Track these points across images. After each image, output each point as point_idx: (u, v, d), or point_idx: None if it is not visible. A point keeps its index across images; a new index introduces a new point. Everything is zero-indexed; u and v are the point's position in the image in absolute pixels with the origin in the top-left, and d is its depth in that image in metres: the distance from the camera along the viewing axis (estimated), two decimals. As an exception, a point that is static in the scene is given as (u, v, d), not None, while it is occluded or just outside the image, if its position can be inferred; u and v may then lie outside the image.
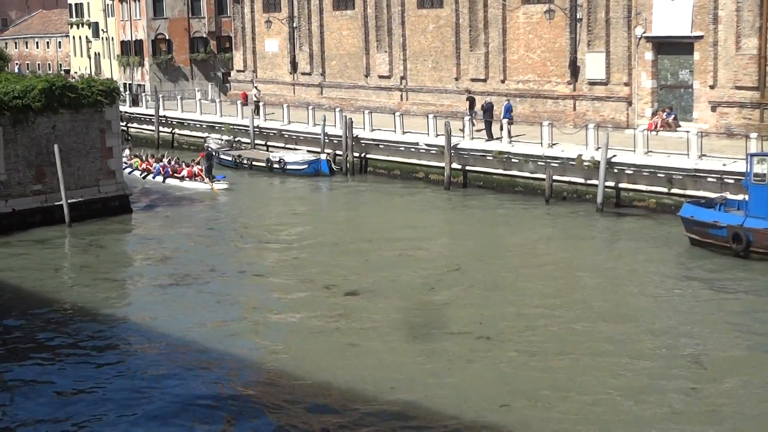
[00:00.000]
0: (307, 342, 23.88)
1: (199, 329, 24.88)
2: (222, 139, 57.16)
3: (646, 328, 23.90)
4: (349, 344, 23.38)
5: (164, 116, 64.08)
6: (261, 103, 57.35)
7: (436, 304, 26.58)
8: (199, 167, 48.07)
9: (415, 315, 25.63)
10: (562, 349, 22.57)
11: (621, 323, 24.33)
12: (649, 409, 19.04)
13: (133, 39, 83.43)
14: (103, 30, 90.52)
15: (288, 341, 24.06)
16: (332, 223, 39.30)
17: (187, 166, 48.92)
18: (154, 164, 50.24)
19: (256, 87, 59.78)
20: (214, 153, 50.69)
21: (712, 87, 41.71)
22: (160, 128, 63.80)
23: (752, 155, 31.15)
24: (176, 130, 63.29)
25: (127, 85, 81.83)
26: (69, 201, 37.91)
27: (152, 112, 65.11)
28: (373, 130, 49.05)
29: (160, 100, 65.38)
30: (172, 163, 49.90)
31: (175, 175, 48.53)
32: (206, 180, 46.93)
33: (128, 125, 66.06)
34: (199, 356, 22.94)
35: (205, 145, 54.44)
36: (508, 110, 44.90)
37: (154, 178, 49.17)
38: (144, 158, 52.30)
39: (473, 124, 44.88)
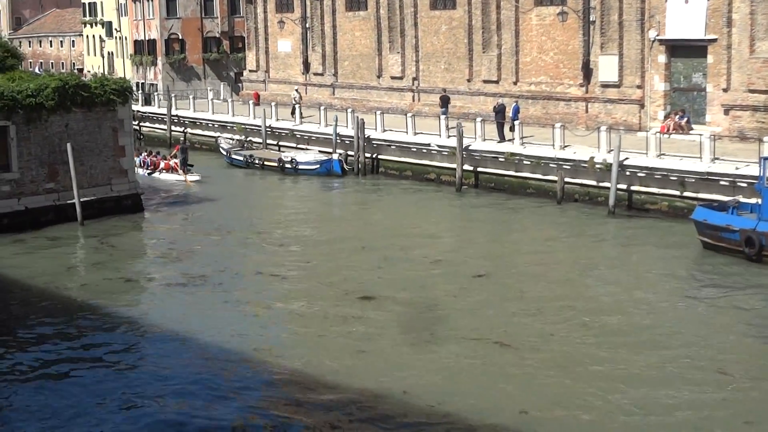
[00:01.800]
0: (320, 345, 23.83)
1: (210, 330, 24.85)
2: (234, 139, 57.25)
3: (662, 333, 23.82)
4: (361, 349, 23.27)
5: (176, 115, 64.22)
6: (298, 106, 56.03)
7: (447, 308, 26.50)
8: (175, 161, 50.10)
9: (429, 320, 25.48)
10: (578, 356, 22.43)
11: (635, 329, 24.24)
12: (682, 419, 18.90)
13: (147, 38, 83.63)
14: (116, 29, 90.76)
15: (300, 344, 24.04)
16: (345, 223, 39.34)
17: (164, 159, 50.76)
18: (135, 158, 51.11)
19: (296, 90, 59.49)
20: (187, 146, 53.13)
21: (725, 90, 41.61)
22: (173, 127, 63.94)
23: (765, 159, 31.07)
24: (188, 130, 63.41)
25: (140, 85, 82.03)
26: (81, 199, 37.99)
27: (165, 111, 65.25)
28: (384, 130, 49.07)
29: (173, 99, 65.52)
30: (151, 156, 51.17)
31: (153, 167, 50.47)
32: (180, 172, 48.94)
33: (141, 124, 66.24)
34: (210, 356, 22.95)
35: (181, 139, 57.02)
36: (516, 111, 44.94)
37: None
38: None
39: (446, 124, 45.94)
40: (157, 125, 66.84)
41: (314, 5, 63.59)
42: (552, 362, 21.93)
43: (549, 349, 22.87)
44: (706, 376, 20.90)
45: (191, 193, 45.43)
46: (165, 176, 49.49)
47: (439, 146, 45.60)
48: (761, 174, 30.54)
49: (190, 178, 48.62)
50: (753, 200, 32.16)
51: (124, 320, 26.03)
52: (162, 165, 50.45)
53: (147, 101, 71.03)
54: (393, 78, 57.99)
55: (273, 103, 58.40)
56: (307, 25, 64.49)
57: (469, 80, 53.18)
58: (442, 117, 46.87)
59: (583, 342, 23.27)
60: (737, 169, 34.85)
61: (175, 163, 50.00)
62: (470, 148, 43.80)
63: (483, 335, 23.89)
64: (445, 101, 50.31)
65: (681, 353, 22.35)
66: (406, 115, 49.44)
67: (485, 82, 52.00)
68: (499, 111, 45.31)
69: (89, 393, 20.71)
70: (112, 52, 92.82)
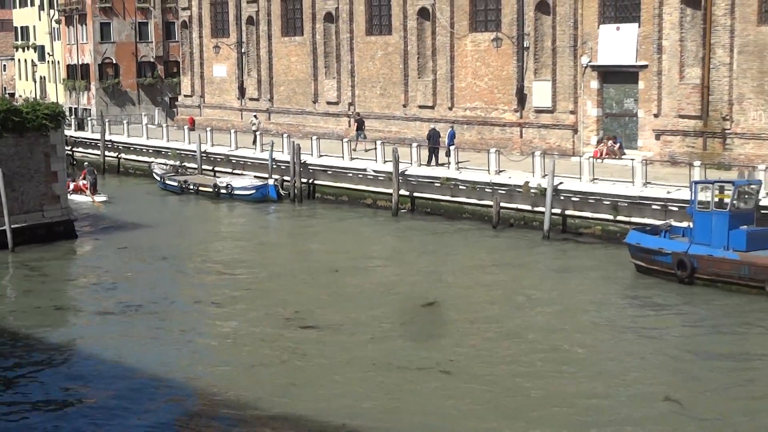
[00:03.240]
0: (256, 375, 23.56)
1: (142, 358, 24.50)
2: (168, 164, 56.77)
3: (599, 357, 24.00)
4: (294, 381, 22.95)
5: (110, 141, 63.53)
6: (259, 133, 54.24)
7: (384, 335, 26.45)
8: (84, 182, 51.46)
9: (370, 348, 25.31)
10: (515, 382, 22.43)
11: (572, 354, 24.40)
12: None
13: (80, 63, 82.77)
14: (49, 53, 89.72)
15: (236, 374, 23.64)
16: (283, 250, 39.18)
17: (73, 181, 50.89)
18: None
19: (255, 116, 58.23)
20: (94, 169, 54.66)
21: (656, 115, 42.28)
22: (106, 153, 63.24)
23: (696, 183, 31.65)
24: (122, 155, 62.75)
25: (73, 109, 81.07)
26: (12, 226, 37.35)
27: (98, 136, 64.53)
28: (321, 156, 49.01)
29: (106, 124, 64.81)
30: None
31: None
32: (87, 193, 50.51)
33: (74, 150, 65.40)
34: (143, 387, 22.58)
35: (86, 163, 57.04)
36: (452, 137, 45.29)
37: None
38: None
39: (360, 144, 48.90)
40: (90, 150, 66.01)
41: (250, 30, 63.50)
42: (489, 387, 21.94)
43: (490, 375, 22.79)
44: (650, 403, 21.04)
45: (121, 219, 44.70)
46: (73, 197, 48.71)
47: (375, 171, 45.66)
48: (692, 198, 31.06)
49: (98, 198, 49.92)
50: (685, 224, 32.66)
51: (54, 348, 25.59)
52: (72, 186, 49.75)
53: (80, 126, 70.16)
54: (329, 103, 58.03)
55: (208, 129, 58.03)
56: (243, 50, 64.35)
57: (404, 105, 53.40)
58: (359, 140, 49.08)
59: (518, 370, 23.24)
60: (669, 193, 35.35)
61: (84, 185, 51.13)
62: (406, 173, 43.91)
63: (427, 364, 23.64)
64: (360, 124, 51.51)
65: (620, 378, 22.48)
66: (342, 140, 49.47)
67: (421, 107, 52.26)
68: (432, 136, 45.60)
69: (17, 427, 20.29)
70: (44, 77, 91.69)
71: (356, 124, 52.08)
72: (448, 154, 43.77)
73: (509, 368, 23.20)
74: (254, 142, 53.60)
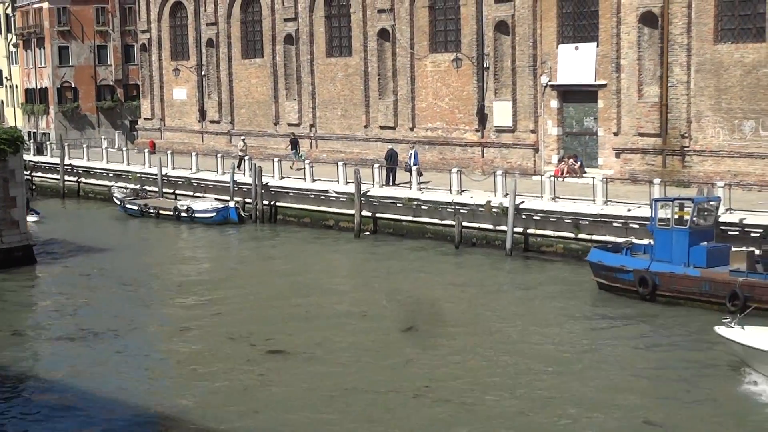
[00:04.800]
0: (220, 401, 23.18)
1: (104, 385, 24.18)
2: (128, 188, 56.38)
3: (565, 377, 23.98)
4: (257, 408, 22.67)
5: (70, 165, 63.02)
6: (246, 157, 52.16)
7: (352, 359, 26.28)
8: None
9: (336, 372, 25.05)
10: (484, 401, 22.40)
11: (538, 373, 24.38)
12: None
13: (38, 87, 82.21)
14: (6, 78, 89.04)
15: (197, 403, 23.24)
16: (245, 274, 38.76)
17: None
18: None
19: (243, 140, 56.87)
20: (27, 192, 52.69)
21: (616, 134, 42.56)
22: (66, 177, 62.74)
23: (656, 200, 31.86)
24: (82, 179, 62.27)
25: (32, 134, 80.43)
26: (-30, 252, 36.91)
27: (57, 160, 64.01)
28: (282, 177, 48.89)
29: (66, 148, 64.31)
30: None
31: None
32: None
33: (33, 174, 64.82)
34: (101, 413, 22.26)
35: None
36: (415, 157, 45.38)
37: None
38: None
39: (294, 163, 50.49)
40: (49, 175, 65.47)
41: (210, 53, 63.34)
42: (460, 410, 21.84)
43: (457, 397, 22.69)
44: (613, 417, 21.08)
45: (81, 243, 44.17)
46: None
47: (337, 193, 45.58)
48: (653, 215, 31.26)
49: (29, 219, 47.24)
50: (646, 241, 32.83)
51: (11, 374, 25.23)
52: None
53: (39, 151, 69.53)
54: (290, 125, 57.90)
55: (169, 152, 57.70)
56: (203, 73, 64.16)
57: (366, 126, 53.43)
58: (293, 158, 51.22)
59: (480, 393, 23.14)
60: (629, 210, 35.54)
61: None
62: (368, 193, 43.87)
63: (398, 388, 23.46)
64: (294, 143, 53.05)
65: (584, 396, 22.51)
66: (304, 161, 49.37)
67: (382, 128, 52.30)
68: (390, 157, 45.64)
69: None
70: (2, 101, 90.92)
71: (290, 143, 53.19)
72: (420, 174, 43.62)
73: (478, 388, 23.12)
74: (239, 166, 51.95)
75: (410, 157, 45.17)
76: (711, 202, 31.49)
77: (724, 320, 24.00)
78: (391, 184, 44.76)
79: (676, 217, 30.32)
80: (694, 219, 30.25)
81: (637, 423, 20.70)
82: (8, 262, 38.56)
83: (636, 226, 34.74)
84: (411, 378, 23.99)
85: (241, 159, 52.56)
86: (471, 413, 21.46)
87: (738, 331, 23.23)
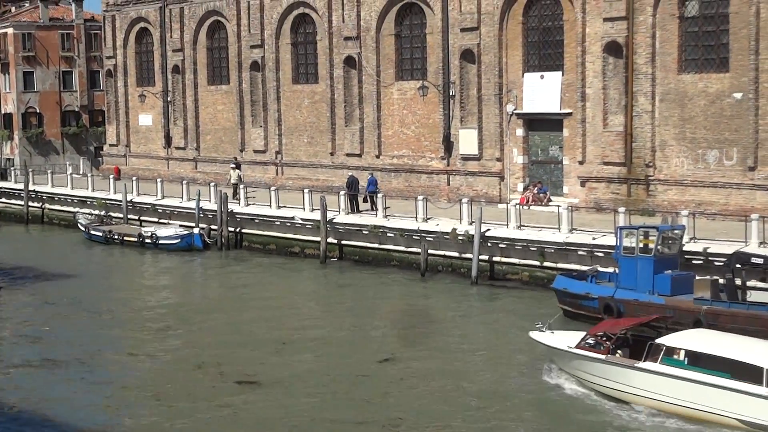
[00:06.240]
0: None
1: (65, 413, 23.90)
2: (92, 214, 55.95)
3: (535, 407, 23.96)
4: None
5: (34, 191, 62.46)
6: (242, 185, 50.75)
7: (320, 389, 26.07)
8: None
9: (302, 402, 24.90)
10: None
11: (506, 402, 24.39)
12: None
13: (2, 112, 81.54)
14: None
15: (162, 430, 23.17)
16: (207, 300, 38.57)
17: None
18: None
19: (239, 167, 54.78)
20: None
21: (581, 162, 42.77)
22: (30, 203, 62.18)
23: (621, 228, 32.01)
24: (46, 205, 61.75)
25: (-5, 159, 79.75)
26: (-70, 278, 36.44)
27: (21, 186, 63.45)
28: (248, 204, 48.69)
29: (30, 174, 63.78)
30: None
31: None
32: None
33: (-4, 200, 64.24)
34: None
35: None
36: (372, 183, 45.36)
37: None
38: None
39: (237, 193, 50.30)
40: (13, 201, 64.84)
41: (176, 79, 63.15)
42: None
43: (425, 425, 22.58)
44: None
45: (44, 270, 43.81)
46: None
47: (303, 219, 45.46)
48: (617, 243, 31.40)
49: None
50: (610, 269, 32.94)
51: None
52: None
53: (3, 176, 68.96)
54: (256, 152, 57.78)
55: (134, 178, 57.37)
56: (169, 99, 63.94)
57: (332, 153, 53.39)
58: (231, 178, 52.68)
59: (463, 420, 23.15)
60: (594, 239, 35.68)
61: None
62: (334, 221, 43.78)
63: (369, 418, 23.38)
64: (238, 166, 54.08)
65: (552, 423, 22.50)
66: (269, 188, 49.23)
67: (348, 155, 52.27)
68: (350, 184, 45.68)
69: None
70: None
71: (236, 166, 54.02)
72: (366, 201, 43.78)
73: (444, 416, 23.04)
74: (234, 195, 50.99)
75: (368, 183, 45.18)
76: (675, 231, 31.70)
77: (536, 326, 26.69)
78: (355, 211, 44.70)
79: (641, 245, 30.49)
80: (659, 247, 30.42)
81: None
82: (-31, 288, 38.16)
83: (601, 254, 34.87)
84: (382, 409, 23.86)
85: (236, 188, 51.53)
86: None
87: (547, 335, 26.19)
